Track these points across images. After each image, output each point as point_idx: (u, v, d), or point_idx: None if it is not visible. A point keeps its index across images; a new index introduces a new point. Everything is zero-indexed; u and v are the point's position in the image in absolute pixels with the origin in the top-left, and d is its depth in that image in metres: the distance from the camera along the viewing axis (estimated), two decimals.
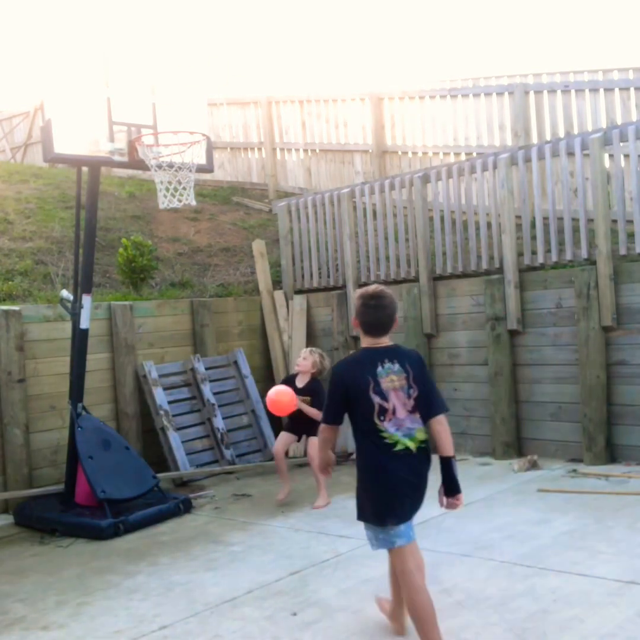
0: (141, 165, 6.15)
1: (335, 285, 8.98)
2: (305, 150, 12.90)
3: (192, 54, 6.67)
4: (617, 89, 9.48)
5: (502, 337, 7.38)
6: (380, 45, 30.99)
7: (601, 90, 9.56)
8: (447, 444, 3.54)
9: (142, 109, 6.19)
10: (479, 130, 10.83)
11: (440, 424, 3.59)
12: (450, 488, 3.52)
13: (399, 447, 3.38)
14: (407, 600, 3.44)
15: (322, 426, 3.62)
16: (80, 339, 6.35)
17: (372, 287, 3.60)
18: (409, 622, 3.56)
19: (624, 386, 6.74)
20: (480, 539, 4.99)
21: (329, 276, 9.08)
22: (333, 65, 29.54)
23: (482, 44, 28.85)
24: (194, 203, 6.30)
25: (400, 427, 3.41)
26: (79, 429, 6.27)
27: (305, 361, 6.51)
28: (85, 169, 6.34)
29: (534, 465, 6.85)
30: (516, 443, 7.37)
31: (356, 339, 8.66)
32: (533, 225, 7.58)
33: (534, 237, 7.45)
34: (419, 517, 5.55)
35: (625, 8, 25.40)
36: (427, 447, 3.48)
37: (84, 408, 6.41)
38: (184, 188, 6.14)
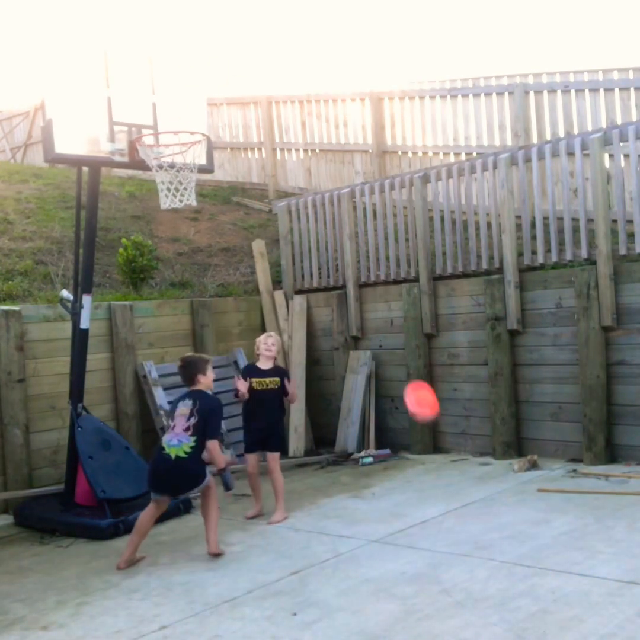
0: (141, 165, 6.15)
1: (335, 285, 8.98)
2: (305, 150, 12.90)
3: (192, 54, 6.66)
4: (617, 89, 9.48)
5: (502, 337, 7.38)
6: (380, 45, 31.00)
7: (601, 90, 9.57)
8: (215, 458, 5.16)
9: (143, 109, 6.19)
10: (479, 130, 10.83)
11: (211, 445, 5.14)
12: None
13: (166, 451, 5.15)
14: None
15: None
16: (80, 339, 6.35)
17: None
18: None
19: (624, 386, 6.74)
20: (480, 539, 4.99)
21: (329, 276, 9.08)
22: (333, 65, 29.53)
23: (482, 44, 28.85)
24: (194, 203, 6.30)
25: (172, 439, 5.16)
26: (79, 429, 6.27)
27: (274, 347, 6.36)
28: (85, 169, 6.34)
29: (534, 465, 6.85)
30: (516, 443, 7.37)
31: (356, 339, 8.67)
32: (533, 225, 7.58)
33: (534, 237, 7.45)
34: (419, 517, 5.60)
35: (625, 8, 25.41)
36: (186, 456, 5.10)
37: (84, 408, 6.41)
38: (185, 188, 6.15)
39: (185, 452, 5.09)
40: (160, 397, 7.67)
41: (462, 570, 4.48)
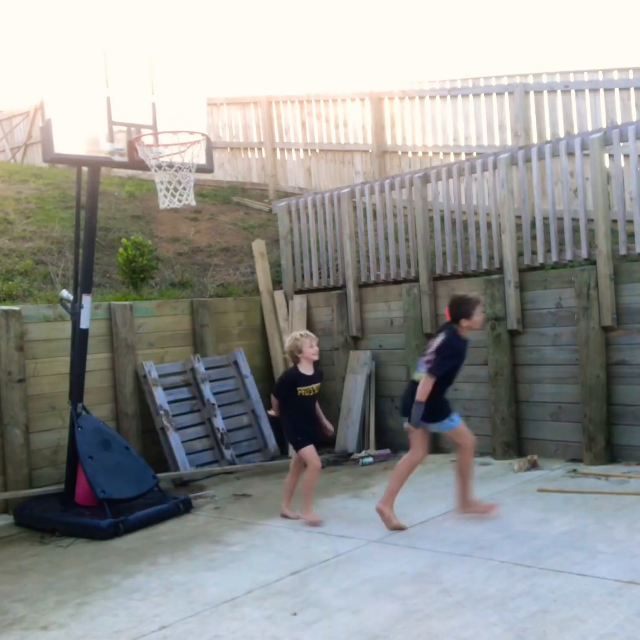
0: (141, 165, 6.15)
1: (335, 285, 8.98)
2: (305, 150, 12.90)
3: (192, 54, 6.66)
4: (617, 89, 9.49)
5: (502, 337, 7.38)
6: (380, 45, 31.00)
7: (601, 90, 9.57)
8: (419, 390, 5.29)
9: (142, 108, 6.19)
10: (479, 130, 10.83)
11: (424, 379, 5.29)
12: None
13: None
14: None
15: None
16: (80, 339, 6.36)
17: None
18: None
19: (624, 386, 6.74)
20: (480, 539, 4.99)
21: (329, 276, 9.08)
22: (333, 65, 29.54)
23: (482, 44, 28.85)
24: (194, 203, 6.30)
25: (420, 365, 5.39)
26: (79, 429, 6.28)
27: (315, 348, 5.99)
28: (85, 169, 6.34)
29: (534, 465, 6.85)
30: (516, 443, 7.37)
31: (356, 338, 8.67)
32: (533, 225, 7.58)
33: (534, 237, 7.45)
34: (419, 517, 5.60)
35: (625, 8, 25.41)
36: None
37: (84, 408, 6.41)
38: (184, 188, 6.15)
39: (417, 382, 5.31)
40: (160, 397, 7.68)
41: (462, 570, 4.48)
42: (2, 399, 6.69)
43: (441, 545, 4.90)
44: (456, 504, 5.58)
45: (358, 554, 4.93)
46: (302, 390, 5.83)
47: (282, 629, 3.89)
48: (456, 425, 5.44)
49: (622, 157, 6.95)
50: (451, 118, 11.07)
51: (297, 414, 5.91)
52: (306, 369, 5.88)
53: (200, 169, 6.36)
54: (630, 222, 6.75)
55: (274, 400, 6.05)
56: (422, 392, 5.22)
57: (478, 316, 5.41)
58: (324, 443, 8.59)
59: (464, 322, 5.37)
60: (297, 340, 5.90)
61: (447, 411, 5.42)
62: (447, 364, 5.28)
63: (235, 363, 8.44)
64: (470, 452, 5.49)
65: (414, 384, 5.35)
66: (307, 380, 5.86)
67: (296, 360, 5.91)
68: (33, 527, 6.15)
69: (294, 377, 5.90)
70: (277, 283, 9.51)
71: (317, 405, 6.08)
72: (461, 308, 5.40)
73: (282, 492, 6.18)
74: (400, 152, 11.78)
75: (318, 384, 5.95)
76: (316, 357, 5.95)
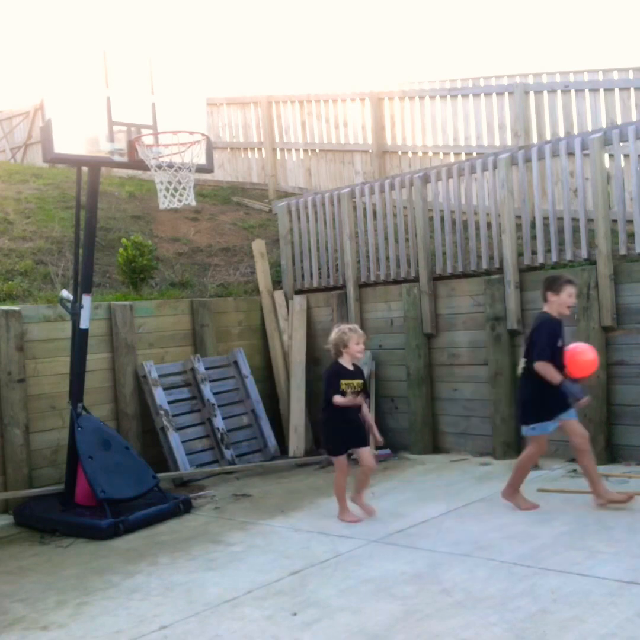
0: (141, 165, 6.15)
1: (335, 285, 8.98)
2: (305, 150, 12.90)
3: (192, 54, 6.67)
4: (617, 89, 9.49)
5: (502, 337, 7.38)
6: (381, 45, 31.00)
7: (601, 90, 9.57)
8: (548, 379, 5.25)
9: (142, 108, 6.19)
10: (479, 130, 10.84)
11: (538, 366, 5.27)
12: None
13: None
14: None
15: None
16: (80, 339, 6.36)
17: None
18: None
19: (624, 386, 6.74)
20: (480, 539, 4.99)
21: (329, 276, 9.08)
22: (333, 65, 29.56)
23: (482, 44, 28.86)
24: (194, 203, 6.30)
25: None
26: (79, 429, 6.27)
27: (362, 346, 5.58)
28: (85, 169, 6.34)
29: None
30: (516, 443, 7.35)
31: None
32: (533, 225, 7.58)
33: (534, 237, 7.45)
34: (419, 517, 5.60)
35: (625, 8, 25.41)
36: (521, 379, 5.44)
37: (84, 408, 6.41)
38: (184, 188, 6.14)
39: (519, 375, 5.33)
40: (160, 397, 7.68)
41: (462, 570, 4.48)
42: (2, 399, 6.69)
43: (441, 545, 4.90)
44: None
45: (358, 554, 4.93)
46: (344, 384, 5.47)
47: (282, 629, 3.89)
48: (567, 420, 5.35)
49: (622, 157, 6.95)
50: (451, 118, 11.08)
51: (336, 415, 5.53)
52: (347, 364, 5.57)
53: (200, 169, 6.36)
54: (630, 222, 6.75)
55: (335, 400, 5.49)
56: (550, 376, 5.15)
57: (566, 294, 5.34)
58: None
59: (551, 297, 5.34)
60: (344, 334, 5.53)
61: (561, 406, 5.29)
62: (545, 345, 5.20)
63: (235, 363, 8.44)
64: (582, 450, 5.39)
65: (525, 379, 5.33)
66: (350, 374, 5.51)
67: (338, 355, 5.57)
68: (33, 527, 6.15)
69: (337, 369, 5.54)
70: (277, 283, 9.51)
71: (366, 408, 5.70)
72: (550, 284, 5.39)
73: (285, 494, 6.17)
74: (400, 152, 11.78)
75: (360, 381, 5.56)
76: (361, 356, 5.60)
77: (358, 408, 5.64)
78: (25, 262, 8.74)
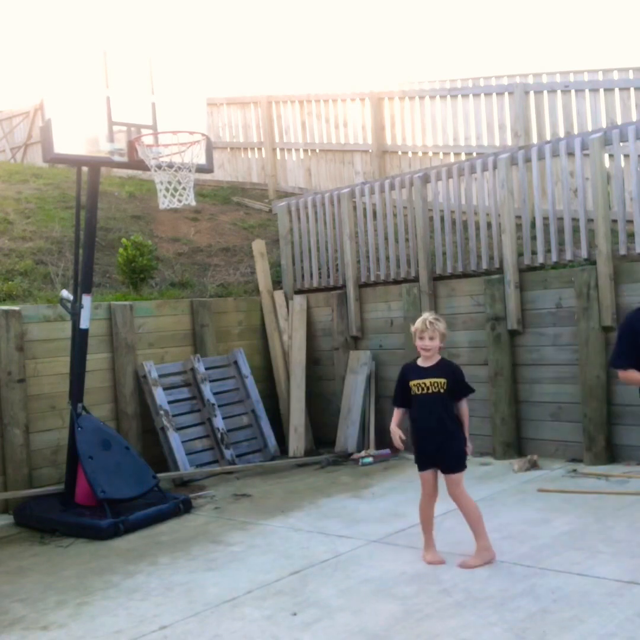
0: (141, 165, 6.15)
1: (335, 285, 8.98)
2: (305, 150, 12.90)
3: (192, 54, 6.67)
4: (617, 89, 9.50)
5: (502, 337, 7.38)
6: (381, 45, 31.00)
7: (601, 90, 9.57)
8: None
9: (142, 108, 6.19)
10: (479, 130, 10.84)
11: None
12: None
13: None
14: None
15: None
16: (80, 339, 6.35)
17: None
18: None
19: (624, 386, 6.71)
20: None
21: (329, 276, 9.08)
22: (333, 65, 29.55)
23: (482, 44, 28.85)
24: (194, 203, 6.30)
25: None
26: (79, 429, 6.27)
27: (432, 342, 4.65)
28: (85, 169, 6.34)
29: (534, 465, 6.85)
30: (516, 443, 7.37)
31: (356, 339, 8.67)
32: (533, 225, 7.58)
33: (534, 237, 7.45)
34: (418, 517, 5.59)
35: (625, 8, 25.41)
36: None
37: (84, 408, 6.41)
38: (184, 188, 6.14)
39: None
40: (160, 397, 7.68)
41: (462, 570, 4.48)
42: (2, 399, 6.69)
43: (441, 545, 4.89)
44: None
45: (358, 554, 4.93)
46: (413, 384, 4.68)
47: (282, 629, 3.89)
48: None
49: (622, 157, 6.95)
50: (451, 118, 11.08)
51: (414, 421, 4.79)
52: (423, 362, 4.74)
53: (200, 169, 6.36)
54: (630, 222, 6.75)
55: (396, 413, 4.86)
56: (633, 382, 4.56)
57: None
58: (324, 443, 8.62)
59: None
60: (412, 327, 4.79)
61: None
62: (622, 344, 4.56)
63: (235, 363, 8.44)
64: None
65: None
66: (420, 372, 4.67)
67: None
68: (33, 527, 6.15)
69: (404, 369, 4.83)
70: (277, 283, 9.51)
71: (463, 412, 4.76)
72: None
73: (285, 494, 6.16)
74: (400, 152, 11.78)
75: (435, 379, 4.62)
76: (426, 353, 4.68)
77: (437, 411, 4.73)
78: (25, 262, 8.74)
